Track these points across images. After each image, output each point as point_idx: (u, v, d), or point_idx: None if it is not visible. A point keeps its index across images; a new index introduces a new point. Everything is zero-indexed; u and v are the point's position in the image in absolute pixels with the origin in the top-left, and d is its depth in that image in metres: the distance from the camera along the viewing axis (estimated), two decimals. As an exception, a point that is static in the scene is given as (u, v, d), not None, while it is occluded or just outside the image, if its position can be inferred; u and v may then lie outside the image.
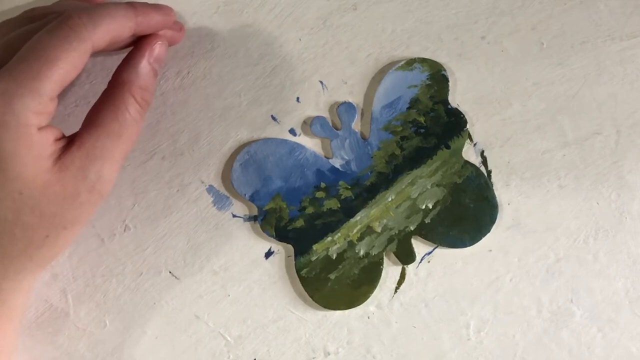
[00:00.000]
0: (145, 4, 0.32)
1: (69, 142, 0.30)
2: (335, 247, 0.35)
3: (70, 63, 0.28)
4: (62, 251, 0.32)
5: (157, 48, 0.32)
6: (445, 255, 0.36)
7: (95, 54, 0.32)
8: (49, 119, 0.29)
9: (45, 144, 0.29)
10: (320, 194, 0.35)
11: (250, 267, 0.35)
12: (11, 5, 0.37)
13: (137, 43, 0.32)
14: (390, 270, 0.36)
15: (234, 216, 0.36)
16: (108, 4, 0.31)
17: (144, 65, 0.32)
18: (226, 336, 0.35)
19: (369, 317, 0.35)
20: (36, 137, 0.28)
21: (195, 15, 0.37)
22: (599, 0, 0.37)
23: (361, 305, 0.35)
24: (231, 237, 0.36)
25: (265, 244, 0.36)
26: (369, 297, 0.35)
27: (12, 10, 0.36)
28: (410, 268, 0.36)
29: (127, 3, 0.31)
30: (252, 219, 0.36)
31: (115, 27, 0.30)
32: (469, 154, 0.36)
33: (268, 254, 0.36)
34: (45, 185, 0.29)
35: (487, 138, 0.36)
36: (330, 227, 0.35)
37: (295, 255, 0.35)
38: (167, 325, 0.35)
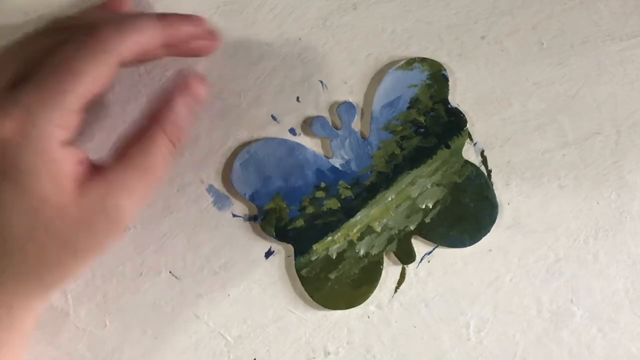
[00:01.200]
0: (175, 15, 0.32)
1: (93, 168, 0.29)
2: (335, 247, 0.35)
3: (95, 76, 0.28)
4: (73, 278, 0.31)
5: (197, 88, 0.31)
6: (445, 255, 0.36)
7: (124, 66, 0.31)
8: (73, 133, 0.29)
9: (67, 162, 0.28)
10: (320, 194, 0.35)
11: (250, 267, 0.35)
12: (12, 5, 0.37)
13: (177, 80, 0.31)
14: (390, 270, 0.36)
15: (234, 216, 0.36)
16: (135, 16, 0.30)
17: (182, 104, 0.31)
18: (226, 336, 0.35)
19: (369, 317, 0.35)
20: (58, 153, 0.28)
21: (195, 15, 0.37)
22: (599, 0, 0.37)
23: (361, 305, 0.35)
24: (231, 237, 0.36)
25: (265, 244, 0.36)
26: (369, 296, 0.35)
27: (13, 8, 0.36)
28: (410, 268, 0.36)
29: (156, 15, 0.31)
30: (252, 219, 0.36)
31: (143, 40, 0.30)
32: (469, 153, 0.36)
33: (268, 254, 0.36)
34: (61, 206, 0.28)
35: (487, 138, 0.36)
36: (330, 227, 0.35)
37: (295, 255, 0.35)
38: (167, 325, 0.35)
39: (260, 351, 0.35)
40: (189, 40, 0.32)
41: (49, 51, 0.29)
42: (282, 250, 0.36)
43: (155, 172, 0.30)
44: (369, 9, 0.37)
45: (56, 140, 0.28)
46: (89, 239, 0.29)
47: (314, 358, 0.35)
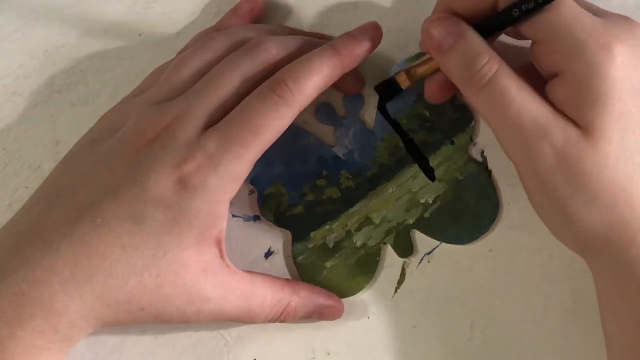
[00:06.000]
0: (348, 41, 0.32)
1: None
2: (333, 236, 0.35)
3: (276, 130, 0.30)
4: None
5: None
6: (446, 255, 0.35)
7: None
8: (239, 187, 0.30)
9: (223, 221, 0.30)
10: (321, 182, 0.35)
11: (250, 267, 0.35)
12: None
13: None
14: (390, 270, 0.35)
15: (234, 216, 0.36)
16: (312, 57, 0.31)
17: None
18: (226, 336, 0.35)
19: (369, 317, 0.35)
20: (223, 207, 0.30)
21: (195, 15, 0.37)
22: (598, 0, 0.37)
23: (361, 305, 0.35)
24: (231, 237, 0.35)
25: (265, 244, 0.36)
26: (363, 287, 0.35)
27: (13, 8, 0.37)
28: (410, 268, 0.35)
29: (332, 50, 0.31)
30: (252, 219, 0.36)
31: (321, 84, 0.31)
32: (469, 153, 0.36)
33: (268, 254, 0.36)
34: (189, 262, 0.30)
35: (488, 138, 0.36)
36: (330, 216, 0.35)
37: (293, 242, 0.35)
38: (167, 325, 0.35)
39: (260, 351, 0.35)
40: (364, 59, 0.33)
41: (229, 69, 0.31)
42: (282, 251, 0.36)
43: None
44: (369, 8, 0.37)
45: (228, 195, 0.30)
46: (178, 305, 0.30)
47: (314, 358, 0.35)
